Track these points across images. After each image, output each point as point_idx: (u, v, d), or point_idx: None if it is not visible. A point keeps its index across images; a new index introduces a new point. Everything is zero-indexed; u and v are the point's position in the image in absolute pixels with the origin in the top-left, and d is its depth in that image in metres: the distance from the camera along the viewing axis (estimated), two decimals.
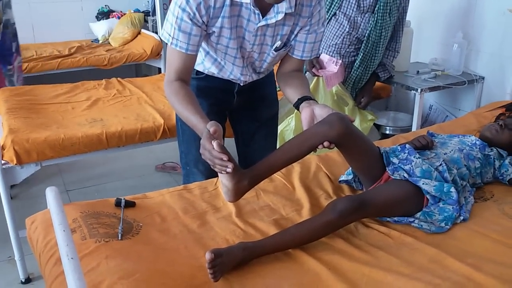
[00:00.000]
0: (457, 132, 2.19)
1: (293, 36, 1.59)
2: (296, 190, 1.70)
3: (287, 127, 2.38)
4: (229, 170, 1.25)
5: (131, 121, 2.42)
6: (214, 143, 1.24)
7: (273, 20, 1.49)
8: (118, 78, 3.20)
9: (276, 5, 1.46)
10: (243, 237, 1.42)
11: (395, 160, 1.57)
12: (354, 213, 1.38)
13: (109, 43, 4.73)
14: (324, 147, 1.39)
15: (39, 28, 4.78)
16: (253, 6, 1.45)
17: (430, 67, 2.86)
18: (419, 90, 2.52)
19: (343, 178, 1.74)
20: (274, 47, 1.59)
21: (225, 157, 1.24)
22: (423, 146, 1.71)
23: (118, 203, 1.54)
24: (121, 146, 2.34)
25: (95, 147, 2.27)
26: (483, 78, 2.73)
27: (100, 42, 4.77)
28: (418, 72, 2.77)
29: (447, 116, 2.97)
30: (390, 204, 1.47)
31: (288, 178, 1.77)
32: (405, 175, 1.52)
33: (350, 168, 1.72)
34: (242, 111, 1.93)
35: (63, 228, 1.17)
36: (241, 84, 1.76)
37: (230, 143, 2.00)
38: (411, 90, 2.62)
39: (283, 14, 1.48)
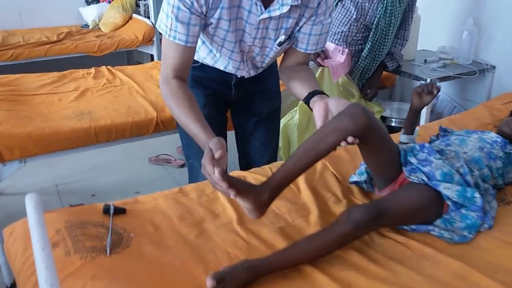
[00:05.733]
0: (470, 126, 2.06)
1: (297, 28, 1.44)
2: (301, 193, 1.56)
3: (291, 121, 2.23)
4: (232, 196, 1.14)
5: (122, 114, 2.26)
6: (216, 171, 1.10)
7: (277, 13, 1.34)
8: (108, 66, 3.03)
9: None
10: (246, 249, 1.28)
11: (413, 160, 1.43)
12: (370, 223, 1.24)
13: (99, 28, 4.53)
14: (348, 143, 1.24)
15: (26, 13, 4.56)
16: None
17: (438, 56, 2.71)
18: (428, 81, 2.37)
19: (354, 179, 1.59)
20: (277, 41, 1.44)
21: (225, 185, 1.12)
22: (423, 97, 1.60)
23: (106, 210, 1.39)
24: (110, 141, 2.19)
25: (83, 143, 2.12)
26: (494, 67, 2.59)
27: (90, 27, 4.57)
28: (425, 61, 2.63)
29: (455, 107, 2.83)
30: (408, 212, 1.33)
31: None
32: (424, 178, 1.38)
33: (363, 168, 1.58)
34: (241, 104, 1.79)
35: (42, 245, 1.02)
36: (239, 76, 1.61)
37: (231, 136, 1.86)
38: (419, 80, 2.47)
39: (288, 7, 1.33)
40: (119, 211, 1.41)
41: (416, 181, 1.40)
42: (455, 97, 2.84)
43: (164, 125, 2.26)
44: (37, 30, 4.39)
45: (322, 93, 1.40)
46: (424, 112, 2.43)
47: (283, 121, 2.25)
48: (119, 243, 1.27)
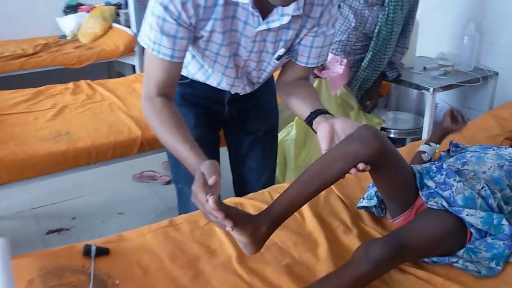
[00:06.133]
0: (478, 137, 1.94)
1: (298, 40, 1.29)
2: (306, 221, 1.40)
3: (287, 137, 2.08)
4: (228, 229, 1.00)
5: (103, 133, 2.08)
6: (210, 199, 0.96)
7: (277, 24, 1.20)
8: (88, 81, 2.85)
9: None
10: None
11: (430, 184, 1.29)
12: (391, 261, 1.09)
13: (78, 39, 4.33)
14: (358, 170, 1.09)
15: (1, 24, 4.33)
16: (252, 8, 1.14)
17: (437, 62, 2.58)
18: (431, 90, 2.24)
19: (363, 203, 1.44)
20: (276, 55, 1.30)
21: (220, 216, 0.97)
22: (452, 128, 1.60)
23: (87, 252, 1.22)
24: (91, 164, 2.01)
25: (60, 167, 1.95)
26: (497, 73, 2.47)
27: (69, 38, 4.36)
28: (425, 68, 2.50)
29: None
30: (431, 244, 1.18)
31: None
32: (444, 203, 1.24)
33: (372, 191, 1.43)
34: (234, 122, 1.63)
35: None
36: (233, 93, 1.46)
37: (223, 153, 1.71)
38: (421, 90, 2.34)
39: (289, 17, 1.18)
40: (102, 252, 1.23)
41: (435, 207, 1.25)
42: (456, 106, 2.72)
43: (150, 145, 2.10)
44: (13, 42, 4.17)
45: (326, 112, 1.25)
46: (427, 124, 2.29)
47: (279, 137, 2.10)
48: None
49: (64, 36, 4.41)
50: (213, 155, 1.67)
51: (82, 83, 2.81)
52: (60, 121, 2.25)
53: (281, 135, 2.15)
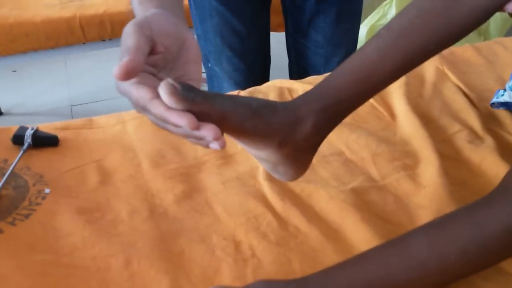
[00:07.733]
0: None
1: None
2: (398, 120, 0.81)
3: (382, 19, 1.49)
4: (214, 146, 0.41)
5: (123, 0, 1.57)
6: (162, 87, 0.39)
7: None
8: None
9: None
10: (276, 239, 0.58)
11: None
12: None
13: None
14: None
15: None
16: None
17: None
18: None
19: (503, 97, 0.82)
20: None
21: (184, 120, 0.39)
22: None
23: (18, 138, 0.73)
24: (106, 40, 1.53)
25: (65, 40, 1.50)
26: None
27: None
28: None
29: None
30: None
31: (380, 93, 0.86)
32: None
33: None
34: None
35: None
36: None
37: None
38: None
39: None
40: (44, 141, 0.74)
41: None
42: None
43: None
44: None
45: None
46: None
47: (369, 20, 1.50)
48: (13, 207, 0.61)
49: None
50: (259, 19, 1.13)
51: None
52: None
53: (372, 19, 1.54)
